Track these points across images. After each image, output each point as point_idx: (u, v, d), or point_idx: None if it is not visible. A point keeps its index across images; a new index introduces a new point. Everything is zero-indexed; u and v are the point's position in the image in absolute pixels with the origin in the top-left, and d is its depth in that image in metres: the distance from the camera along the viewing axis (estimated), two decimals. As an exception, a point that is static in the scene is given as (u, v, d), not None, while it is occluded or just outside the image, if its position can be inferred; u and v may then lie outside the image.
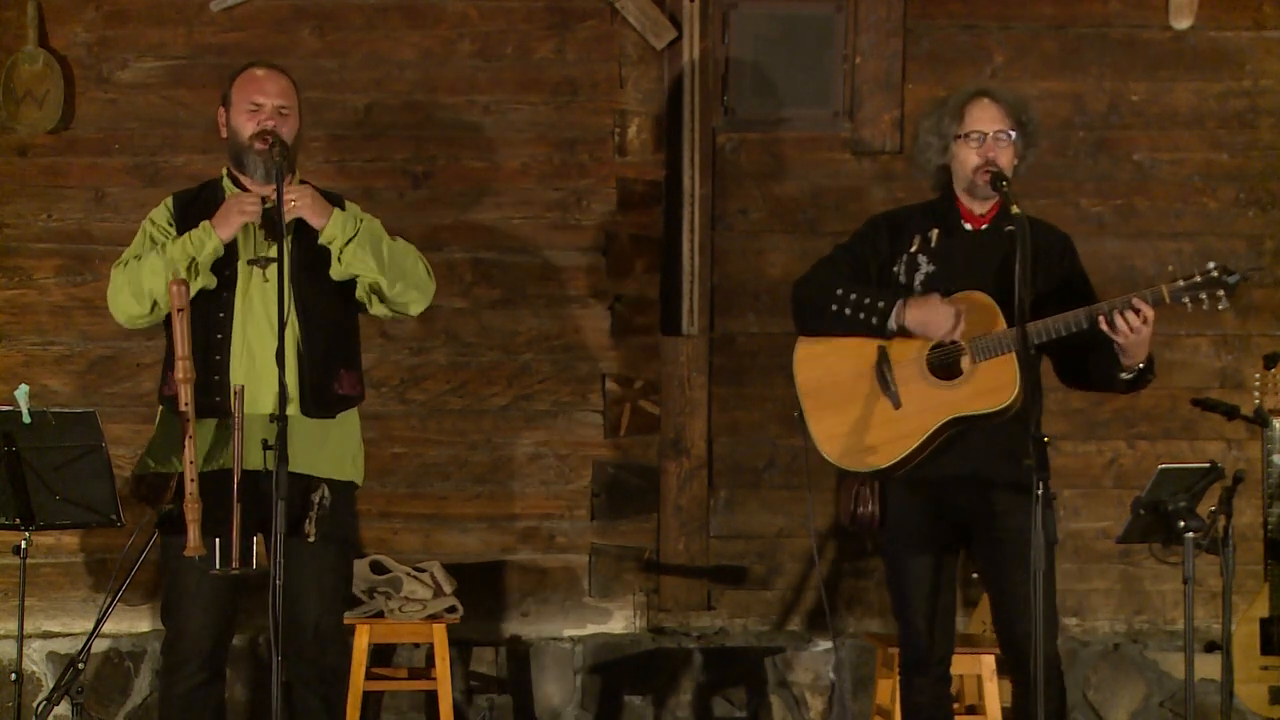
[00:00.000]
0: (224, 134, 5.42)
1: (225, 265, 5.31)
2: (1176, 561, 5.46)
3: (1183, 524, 5.38)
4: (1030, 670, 5.17)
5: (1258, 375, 6.64)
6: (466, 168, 7.17)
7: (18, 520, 5.26)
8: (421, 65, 7.15)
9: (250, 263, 5.28)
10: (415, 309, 5.46)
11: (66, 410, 5.38)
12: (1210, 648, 7.02)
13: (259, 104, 5.34)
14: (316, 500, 5.31)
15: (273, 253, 5.23)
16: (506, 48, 7.16)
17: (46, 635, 7.05)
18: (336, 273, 5.32)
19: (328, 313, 5.37)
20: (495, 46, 7.16)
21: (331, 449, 5.38)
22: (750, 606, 7.25)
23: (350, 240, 5.28)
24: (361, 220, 5.34)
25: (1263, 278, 7.26)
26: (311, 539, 5.29)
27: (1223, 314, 7.23)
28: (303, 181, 5.42)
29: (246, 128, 5.33)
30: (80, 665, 5.14)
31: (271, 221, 5.22)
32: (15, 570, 5.46)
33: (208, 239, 5.25)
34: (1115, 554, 7.18)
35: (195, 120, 7.02)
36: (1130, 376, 5.33)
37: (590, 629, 7.20)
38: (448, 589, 6.72)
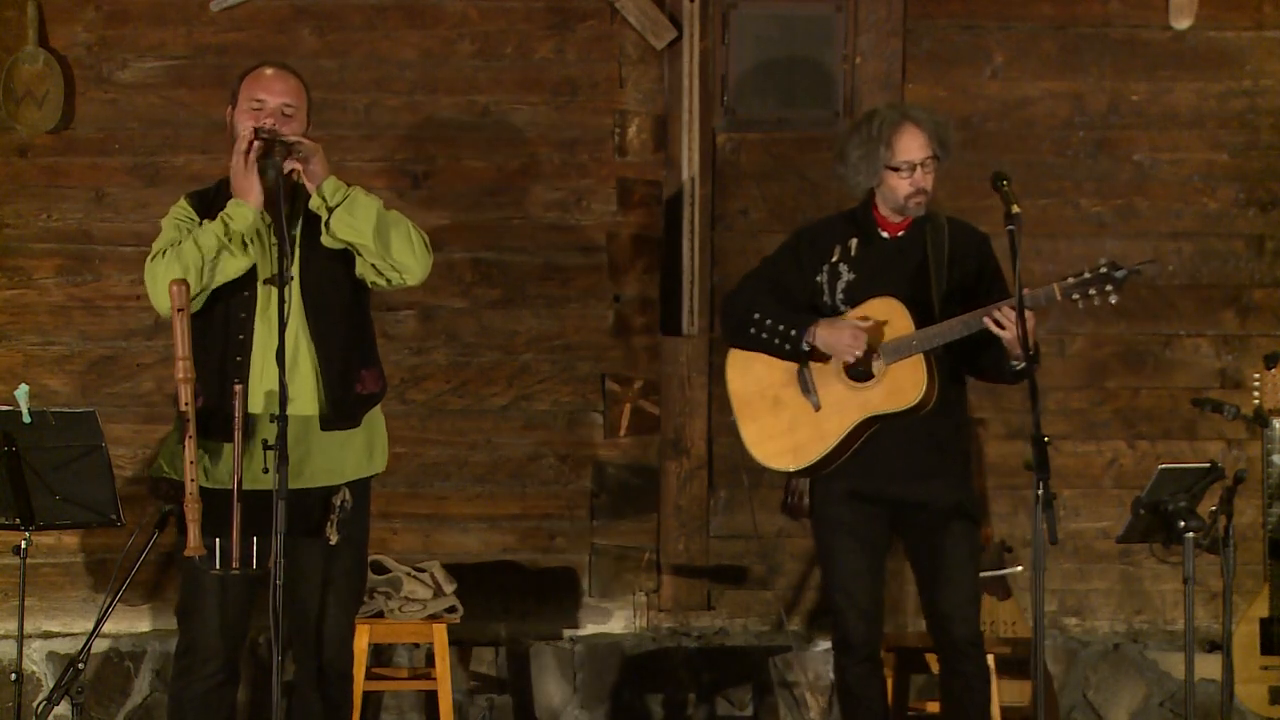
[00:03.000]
0: (229, 133, 5.33)
1: (244, 286, 5.24)
2: (1176, 561, 5.49)
3: (1183, 524, 5.40)
4: (953, 649, 5.64)
5: (1258, 375, 6.64)
6: (466, 168, 7.17)
7: (18, 520, 5.25)
8: (421, 65, 7.15)
9: (266, 283, 5.21)
10: (411, 276, 5.29)
11: (66, 410, 5.37)
12: (1211, 648, 7.03)
13: (261, 101, 5.26)
14: (338, 504, 5.28)
15: (289, 271, 5.18)
16: (506, 48, 7.16)
17: (46, 635, 7.05)
18: (326, 240, 5.24)
19: (341, 314, 5.29)
20: (495, 46, 7.16)
21: (353, 450, 5.34)
22: (750, 606, 7.25)
23: (339, 205, 5.20)
24: (352, 188, 5.25)
25: (1263, 277, 7.26)
26: (334, 542, 5.27)
27: (1222, 314, 7.25)
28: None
29: (247, 125, 5.23)
30: (80, 665, 5.13)
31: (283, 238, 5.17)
32: (15, 570, 5.46)
33: (240, 210, 5.15)
34: (1115, 554, 7.18)
35: (195, 120, 7.02)
36: (1020, 366, 5.50)
37: (590, 629, 7.20)
38: (448, 589, 6.72)
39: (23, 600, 5.38)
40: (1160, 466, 5.48)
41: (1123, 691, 7.19)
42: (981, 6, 7.23)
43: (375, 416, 5.42)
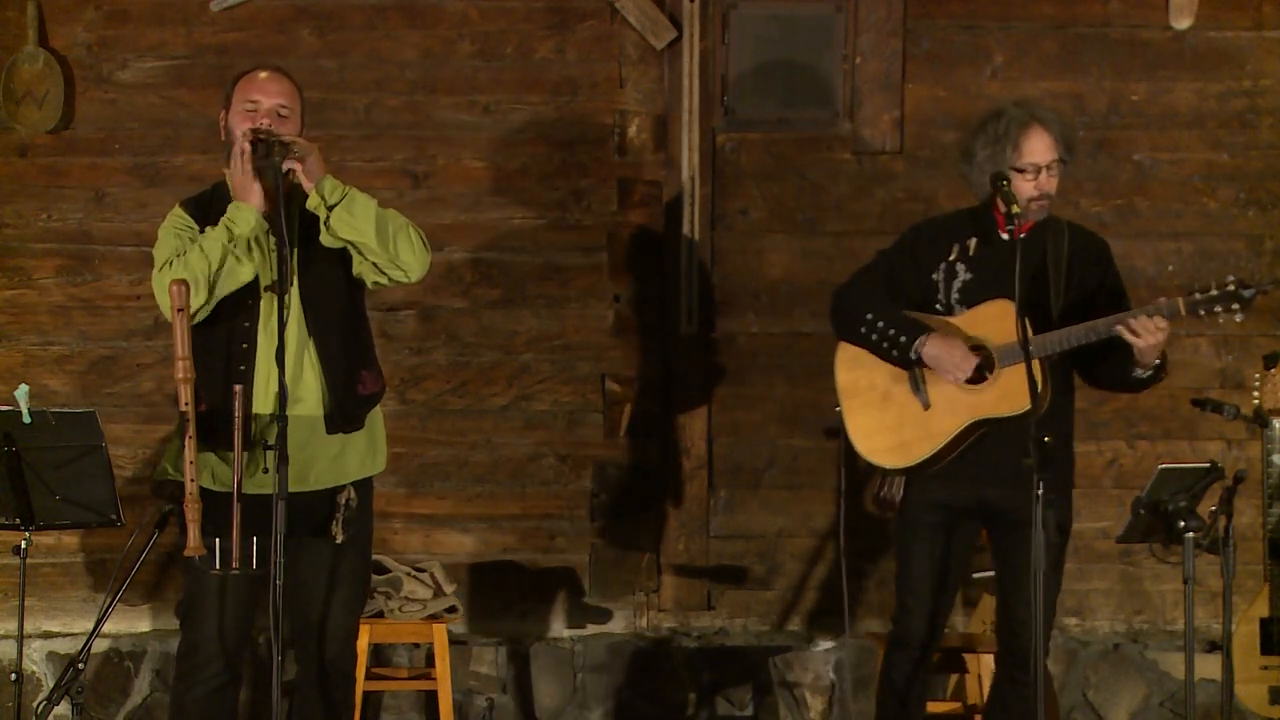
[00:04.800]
0: (223, 136, 5.34)
1: (247, 294, 5.23)
2: (1176, 561, 5.48)
3: (1183, 524, 5.39)
4: (1018, 657, 5.53)
5: (1258, 375, 6.64)
6: (466, 168, 7.17)
7: (18, 520, 5.25)
8: (421, 65, 7.15)
9: (268, 289, 5.21)
10: (411, 274, 5.29)
11: (66, 410, 5.37)
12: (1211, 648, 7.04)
13: (256, 102, 5.25)
14: (343, 503, 5.28)
15: (290, 273, 5.17)
16: (506, 48, 7.16)
17: (46, 635, 7.05)
18: (326, 239, 5.24)
19: (340, 315, 5.29)
20: (495, 46, 7.16)
21: (356, 450, 5.34)
22: (750, 606, 7.25)
23: (337, 204, 5.19)
24: (349, 188, 5.25)
25: (1262, 278, 7.25)
26: (339, 541, 5.27)
27: (1223, 314, 7.26)
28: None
29: (241, 127, 5.22)
30: (80, 665, 5.14)
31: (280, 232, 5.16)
32: (15, 570, 5.46)
33: (243, 213, 5.14)
34: (1115, 554, 7.18)
35: (195, 120, 7.02)
36: (1146, 375, 5.50)
37: (590, 629, 7.21)
38: (448, 589, 6.72)
39: (23, 600, 5.38)
40: (1160, 466, 5.47)
41: (1123, 691, 7.19)
42: (981, 6, 7.23)
43: (375, 415, 5.42)
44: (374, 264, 5.24)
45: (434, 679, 6.64)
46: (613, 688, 7.12)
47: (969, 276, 5.58)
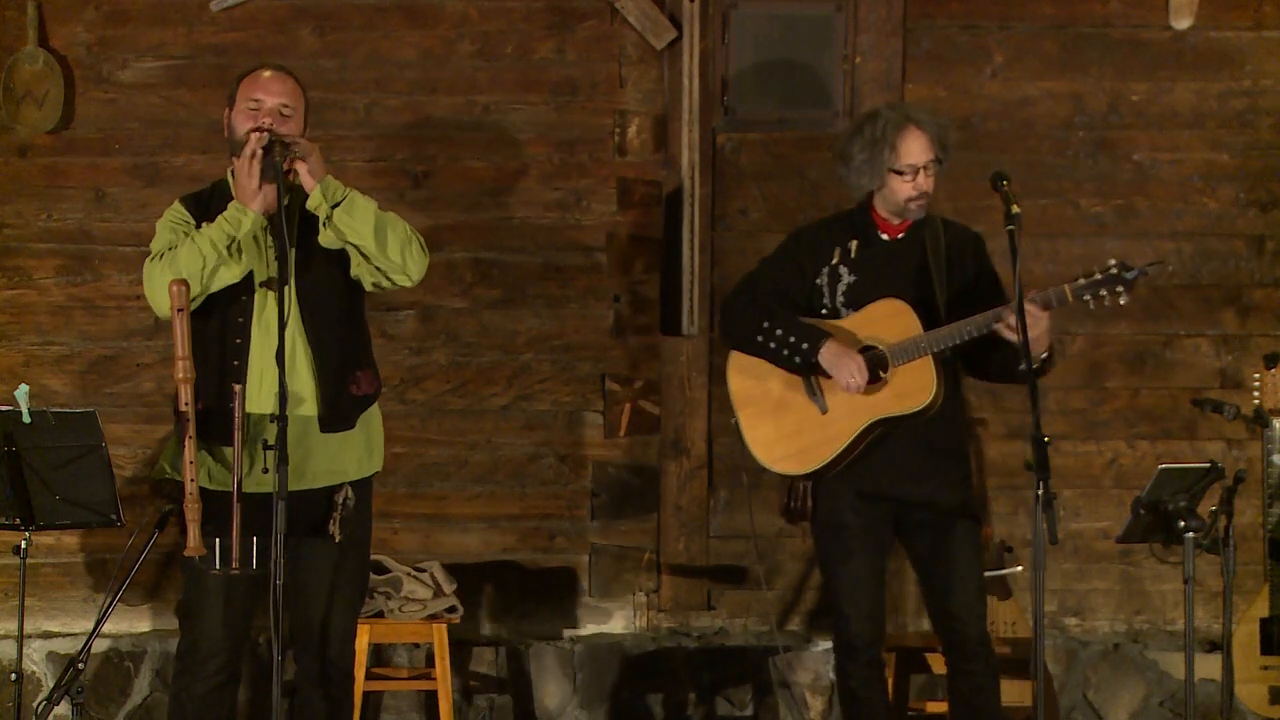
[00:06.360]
0: (226, 134, 5.34)
1: (242, 290, 5.24)
2: (1176, 561, 5.49)
3: (1183, 524, 5.40)
4: (963, 651, 5.63)
5: (1258, 375, 6.64)
6: (466, 168, 7.17)
7: (18, 520, 5.25)
8: (421, 65, 7.15)
9: (263, 285, 5.22)
10: (408, 277, 5.30)
11: (66, 410, 5.37)
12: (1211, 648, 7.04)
13: (259, 101, 5.26)
14: (340, 501, 5.28)
15: (288, 273, 5.17)
16: (506, 48, 7.16)
17: (46, 635, 7.05)
18: (325, 239, 5.23)
19: (337, 316, 5.30)
20: (495, 46, 7.16)
21: (352, 450, 5.34)
22: (750, 606, 7.25)
23: (338, 205, 5.19)
24: (350, 190, 5.25)
25: (1263, 277, 7.27)
26: (337, 539, 5.27)
27: (1222, 314, 7.25)
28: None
29: (244, 125, 5.24)
30: (80, 665, 5.14)
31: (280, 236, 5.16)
32: (15, 570, 5.46)
33: (243, 215, 5.15)
34: (1115, 554, 7.18)
35: (195, 120, 7.02)
36: (1034, 366, 5.48)
37: (590, 629, 7.21)
38: (448, 589, 6.72)
39: (23, 600, 5.38)
40: (1160, 466, 5.48)
41: (1123, 691, 7.19)
42: (981, 6, 7.23)
43: (372, 415, 5.42)
44: (375, 266, 5.25)
45: (434, 679, 6.64)
46: (613, 688, 7.12)
47: (853, 279, 5.64)
